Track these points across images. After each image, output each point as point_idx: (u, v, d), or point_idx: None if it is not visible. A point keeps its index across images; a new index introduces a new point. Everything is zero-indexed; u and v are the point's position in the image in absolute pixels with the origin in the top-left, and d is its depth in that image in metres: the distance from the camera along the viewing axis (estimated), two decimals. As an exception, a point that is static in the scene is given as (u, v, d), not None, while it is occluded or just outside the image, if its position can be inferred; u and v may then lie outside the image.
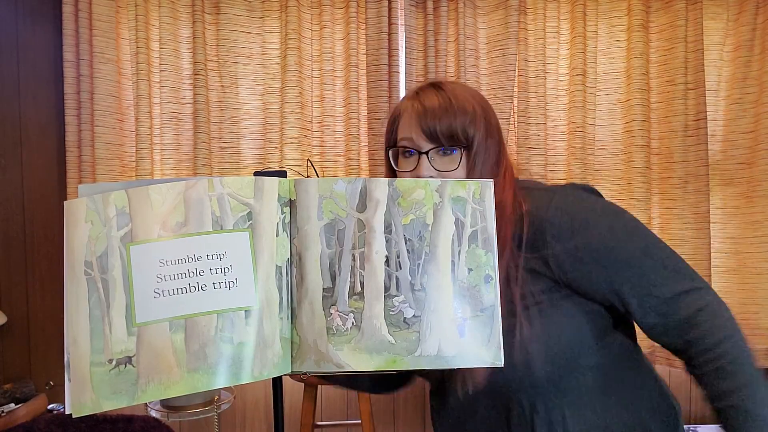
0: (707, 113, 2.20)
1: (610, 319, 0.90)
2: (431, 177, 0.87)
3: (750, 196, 2.24)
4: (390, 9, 2.16)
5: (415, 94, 0.92)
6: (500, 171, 0.91)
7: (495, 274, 0.81)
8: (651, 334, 0.86)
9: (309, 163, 2.15)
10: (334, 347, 0.76)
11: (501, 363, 0.77)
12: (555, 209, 0.87)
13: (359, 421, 2.04)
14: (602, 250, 0.84)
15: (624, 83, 2.24)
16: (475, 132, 0.89)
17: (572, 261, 0.85)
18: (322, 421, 2.29)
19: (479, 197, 0.81)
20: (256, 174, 0.78)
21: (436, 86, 0.92)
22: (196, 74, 2.11)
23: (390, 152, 0.95)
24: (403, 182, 0.80)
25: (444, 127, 0.87)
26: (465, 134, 0.88)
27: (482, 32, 2.25)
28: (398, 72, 2.19)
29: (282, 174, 0.79)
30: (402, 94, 2.20)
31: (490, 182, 0.82)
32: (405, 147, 0.91)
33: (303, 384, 1.96)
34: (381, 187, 0.80)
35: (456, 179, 0.84)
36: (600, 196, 0.95)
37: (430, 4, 2.17)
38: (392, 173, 0.95)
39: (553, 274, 0.86)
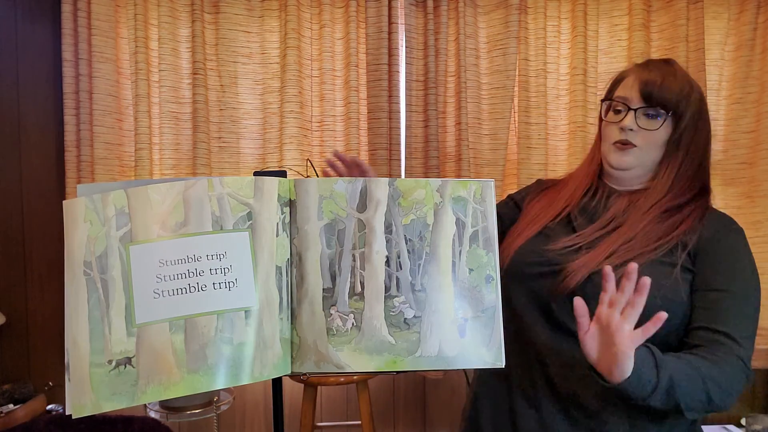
0: (708, 113, 2.19)
1: None
2: (631, 130, 0.98)
3: (751, 195, 2.24)
4: (390, 8, 2.15)
5: (646, 63, 1.04)
6: (708, 159, 1.06)
7: (496, 275, 0.80)
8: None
9: (309, 163, 2.14)
10: (334, 348, 0.75)
11: (502, 364, 0.77)
12: (726, 235, 0.97)
13: (359, 422, 2.04)
14: (736, 285, 0.93)
15: (624, 83, 2.24)
16: (687, 107, 0.99)
17: (711, 273, 0.94)
18: (322, 421, 2.29)
19: (480, 197, 0.81)
20: (255, 174, 0.77)
21: (667, 61, 1.04)
22: (195, 74, 2.10)
23: (603, 104, 1.07)
24: (403, 182, 0.80)
25: (661, 90, 0.97)
26: (677, 104, 0.98)
27: (483, 31, 2.24)
28: (398, 71, 2.18)
29: (282, 174, 0.79)
30: (402, 93, 2.20)
31: (491, 182, 0.81)
32: (617, 102, 1.02)
33: (303, 384, 1.95)
34: (381, 187, 0.79)
35: (456, 179, 0.84)
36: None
37: (430, 4, 2.16)
38: (600, 123, 1.09)
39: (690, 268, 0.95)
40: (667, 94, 0.98)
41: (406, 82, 2.18)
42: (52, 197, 2.18)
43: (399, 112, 2.19)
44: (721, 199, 2.28)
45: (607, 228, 0.99)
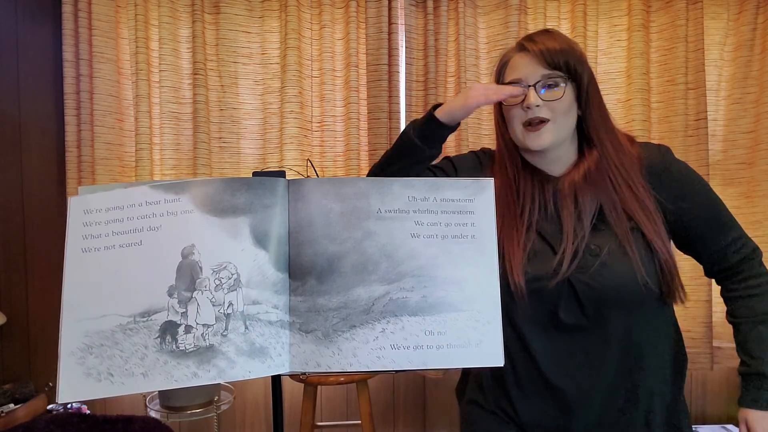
0: (708, 113, 2.20)
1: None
2: (537, 106, 0.97)
3: (751, 196, 2.24)
4: (390, 8, 2.16)
5: (526, 38, 1.02)
6: (608, 114, 1.03)
7: (496, 274, 0.80)
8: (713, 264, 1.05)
9: (309, 163, 2.14)
10: (335, 347, 0.76)
11: (501, 363, 0.77)
12: (671, 162, 1.02)
13: (359, 422, 2.04)
14: (701, 203, 1.01)
15: (624, 83, 2.24)
16: (582, 66, 0.99)
17: (680, 201, 1.00)
18: (322, 421, 2.29)
19: (479, 196, 0.81)
20: (255, 174, 0.78)
21: (547, 31, 1.03)
22: (195, 74, 2.11)
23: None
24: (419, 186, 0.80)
25: (557, 55, 0.97)
26: (574, 65, 0.98)
27: (482, 32, 2.24)
28: (398, 72, 2.19)
29: (281, 174, 0.79)
30: (402, 93, 2.20)
31: (491, 181, 0.82)
32: (513, 82, 1.00)
33: (303, 384, 1.95)
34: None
35: (456, 179, 0.84)
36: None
37: (430, 4, 2.16)
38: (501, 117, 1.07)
39: (662, 209, 1.00)
40: (562, 57, 0.97)
41: (406, 82, 2.19)
42: (52, 197, 2.18)
43: (399, 112, 2.19)
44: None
45: (583, 221, 0.98)
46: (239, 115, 2.19)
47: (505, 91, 0.99)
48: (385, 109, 2.16)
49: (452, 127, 1.05)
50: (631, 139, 1.05)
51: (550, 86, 0.98)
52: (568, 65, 0.98)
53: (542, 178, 1.03)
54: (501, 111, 1.06)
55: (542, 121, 0.98)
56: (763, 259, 1.05)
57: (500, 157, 1.08)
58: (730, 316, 1.04)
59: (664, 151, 1.03)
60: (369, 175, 1.13)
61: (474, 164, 1.13)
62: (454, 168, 1.13)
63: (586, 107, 1.00)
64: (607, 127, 1.02)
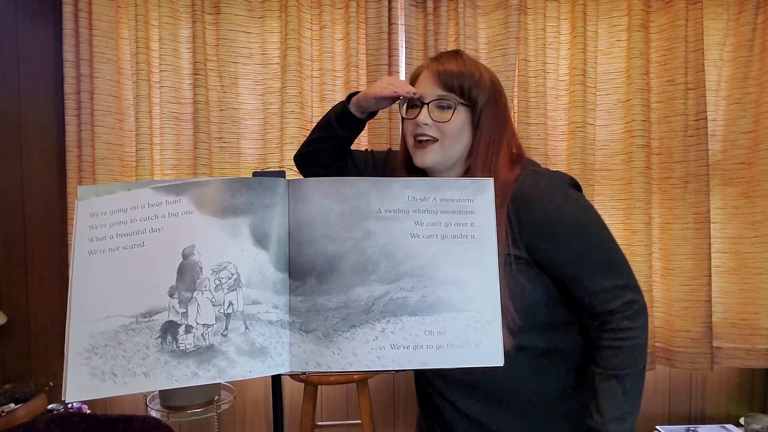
0: (707, 113, 2.20)
1: (560, 299, 1.01)
2: (426, 124, 1.00)
3: (750, 196, 2.24)
4: (390, 9, 2.16)
5: (437, 56, 1.05)
6: (502, 141, 1.02)
7: (495, 273, 0.80)
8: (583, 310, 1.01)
9: (309, 163, 2.15)
10: (335, 347, 0.76)
11: (501, 362, 0.77)
12: (537, 198, 0.96)
13: (359, 421, 2.04)
14: (564, 246, 0.96)
15: (624, 83, 2.24)
16: (479, 94, 0.99)
17: (538, 241, 0.96)
18: (322, 421, 2.29)
19: (479, 196, 0.81)
20: (255, 174, 0.78)
21: (456, 52, 1.05)
22: (196, 74, 2.11)
23: (403, 103, 1.08)
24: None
25: (452, 78, 0.99)
26: (469, 90, 0.99)
27: (482, 32, 2.25)
28: (398, 72, 2.19)
29: (281, 174, 0.79)
30: (402, 93, 2.20)
31: (490, 181, 0.82)
32: (412, 98, 1.03)
33: (303, 384, 1.96)
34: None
35: (456, 178, 0.84)
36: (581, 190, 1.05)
37: (430, 4, 2.17)
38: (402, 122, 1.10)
39: (519, 247, 0.97)
40: (458, 80, 0.98)
41: (406, 82, 2.19)
42: (53, 197, 2.18)
43: (399, 112, 2.19)
44: (720, 199, 2.28)
45: None
46: (239, 115, 2.19)
47: (399, 89, 1.01)
48: (385, 109, 2.16)
49: (362, 117, 1.11)
50: (515, 163, 1.02)
51: (441, 107, 1.00)
52: (462, 89, 0.99)
53: None
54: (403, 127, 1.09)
55: (430, 140, 1.00)
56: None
57: (401, 161, 1.11)
58: (591, 363, 0.99)
59: (542, 186, 0.97)
60: (300, 149, 1.21)
61: (380, 164, 1.20)
62: (366, 162, 1.20)
63: (475, 132, 1.01)
64: (487, 156, 1.00)
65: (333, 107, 1.15)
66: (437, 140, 1.00)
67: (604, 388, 0.95)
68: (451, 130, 0.99)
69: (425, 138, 1.00)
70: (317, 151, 1.17)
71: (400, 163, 1.12)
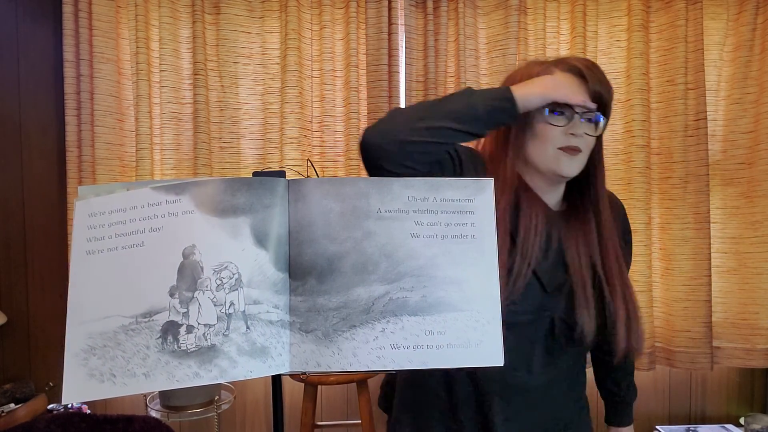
0: (707, 113, 2.20)
1: None
2: (579, 136, 0.97)
3: (750, 196, 2.24)
4: (390, 9, 2.16)
5: (585, 66, 0.98)
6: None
7: (496, 273, 0.80)
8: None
9: (309, 163, 2.15)
10: (335, 347, 0.76)
11: (501, 362, 0.77)
12: (628, 223, 1.19)
13: (359, 421, 2.04)
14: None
15: (624, 83, 2.24)
16: (610, 110, 1.00)
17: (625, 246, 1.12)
18: (322, 421, 2.29)
19: (479, 196, 0.81)
20: (255, 174, 0.78)
21: (595, 64, 1.00)
22: (196, 74, 2.11)
23: (546, 110, 0.97)
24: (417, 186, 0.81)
25: (607, 96, 0.98)
26: (608, 108, 0.99)
27: (482, 32, 2.25)
28: (398, 72, 2.19)
29: (281, 174, 0.79)
30: (402, 94, 2.20)
31: (491, 181, 0.82)
32: (561, 106, 0.96)
33: (303, 384, 1.96)
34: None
35: (456, 178, 0.84)
36: None
37: (430, 4, 2.17)
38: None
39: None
40: (606, 96, 0.97)
41: (406, 82, 2.19)
42: (53, 197, 2.18)
43: (399, 112, 2.19)
44: (720, 199, 2.28)
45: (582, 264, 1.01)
46: (239, 115, 2.19)
47: (587, 101, 0.94)
48: (385, 110, 2.16)
49: (515, 116, 0.94)
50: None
51: (590, 120, 0.97)
52: (606, 104, 0.98)
53: (544, 208, 1.02)
54: (513, 130, 1.00)
55: (579, 150, 0.97)
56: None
57: (503, 179, 0.99)
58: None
59: (623, 209, 1.16)
60: (388, 115, 0.96)
61: (473, 165, 1.04)
62: (460, 159, 1.01)
63: (596, 148, 1.02)
64: (603, 166, 1.04)
65: (470, 96, 0.93)
66: (581, 151, 0.98)
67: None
68: (592, 143, 0.99)
69: (575, 147, 0.97)
70: (439, 144, 0.93)
71: (505, 183, 0.99)
